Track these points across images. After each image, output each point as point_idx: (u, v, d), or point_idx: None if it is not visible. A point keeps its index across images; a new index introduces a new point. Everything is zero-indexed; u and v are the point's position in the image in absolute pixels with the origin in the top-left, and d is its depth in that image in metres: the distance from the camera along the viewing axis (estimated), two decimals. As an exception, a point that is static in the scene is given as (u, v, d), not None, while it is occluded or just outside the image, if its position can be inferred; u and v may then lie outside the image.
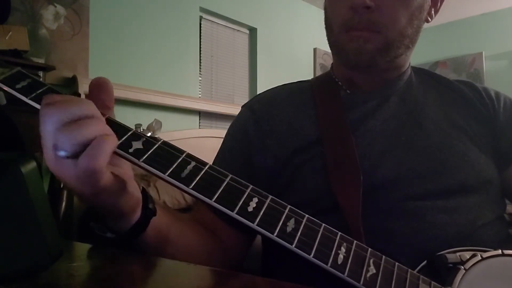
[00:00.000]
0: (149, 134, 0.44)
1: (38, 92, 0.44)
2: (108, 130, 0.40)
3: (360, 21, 0.62)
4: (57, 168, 0.39)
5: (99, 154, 0.37)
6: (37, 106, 0.43)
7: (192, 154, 0.44)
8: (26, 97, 0.43)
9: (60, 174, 0.39)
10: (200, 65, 3.36)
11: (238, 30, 3.74)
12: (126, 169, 0.45)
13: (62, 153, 0.37)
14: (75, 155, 0.38)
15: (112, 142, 0.39)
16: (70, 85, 2.43)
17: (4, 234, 0.30)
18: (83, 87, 2.37)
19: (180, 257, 0.54)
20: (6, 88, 0.43)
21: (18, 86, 0.44)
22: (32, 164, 0.32)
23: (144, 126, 0.45)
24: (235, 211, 0.42)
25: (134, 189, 0.46)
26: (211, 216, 0.65)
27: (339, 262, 0.43)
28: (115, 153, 0.41)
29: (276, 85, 0.78)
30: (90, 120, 0.39)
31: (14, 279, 0.31)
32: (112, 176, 0.41)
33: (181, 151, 0.44)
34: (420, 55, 4.50)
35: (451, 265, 0.51)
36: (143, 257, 0.45)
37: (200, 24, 3.38)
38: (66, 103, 0.39)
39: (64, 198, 2.06)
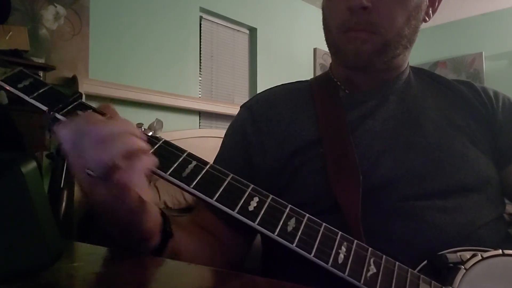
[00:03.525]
0: (150, 134, 0.44)
1: (39, 91, 0.44)
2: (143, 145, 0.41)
3: (358, 22, 0.62)
4: (91, 187, 0.40)
5: (133, 170, 0.38)
6: (39, 105, 0.43)
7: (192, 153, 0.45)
8: (28, 96, 0.44)
9: (93, 192, 0.40)
10: (200, 65, 3.36)
11: (238, 30, 3.74)
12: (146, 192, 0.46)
13: (92, 173, 0.38)
14: (106, 176, 0.38)
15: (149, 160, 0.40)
16: (70, 85, 2.43)
17: (4, 234, 0.30)
18: (83, 87, 2.37)
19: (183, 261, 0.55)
20: (8, 87, 0.44)
21: (20, 85, 0.44)
22: (32, 164, 0.32)
23: (145, 126, 0.45)
24: (236, 210, 0.42)
25: (155, 210, 0.46)
26: (211, 218, 0.65)
27: (340, 261, 0.43)
28: None
29: (276, 85, 0.78)
30: (123, 135, 0.39)
31: (14, 279, 0.31)
32: (138, 195, 0.42)
33: (183, 151, 0.44)
34: (419, 55, 4.50)
35: (451, 264, 0.51)
36: (144, 258, 0.45)
37: (200, 24, 3.38)
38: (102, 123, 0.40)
39: (64, 198, 2.06)
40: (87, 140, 0.38)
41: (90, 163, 0.38)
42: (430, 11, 0.70)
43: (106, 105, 0.45)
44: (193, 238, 0.60)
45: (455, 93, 0.71)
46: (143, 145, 0.40)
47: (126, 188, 0.38)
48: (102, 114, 0.42)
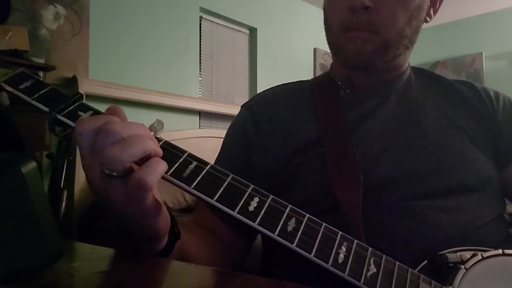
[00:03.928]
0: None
1: (41, 92, 0.44)
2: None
3: (359, 21, 0.62)
4: (105, 187, 0.40)
5: (154, 171, 0.38)
6: (40, 106, 0.43)
7: (193, 154, 0.45)
8: (30, 97, 0.44)
9: (108, 193, 0.40)
10: (200, 65, 3.36)
11: (238, 30, 3.74)
12: (157, 192, 0.46)
13: (109, 172, 0.38)
14: (124, 174, 0.38)
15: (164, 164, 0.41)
16: (70, 85, 2.43)
17: (4, 234, 0.30)
18: (83, 87, 2.37)
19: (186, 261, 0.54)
20: (9, 89, 0.44)
21: (21, 86, 0.44)
22: (32, 164, 0.32)
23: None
24: (236, 210, 0.42)
25: (166, 212, 0.46)
26: (211, 218, 0.65)
27: (340, 261, 0.43)
28: None
29: (276, 85, 0.78)
30: (141, 137, 0.40)
31: (14, 279, 0.31)
32: (154, 197, 0.41)
33: (183, 151, 0.44)
34: (420, 55, 4.50)
35: (451, 264, 0.51)
36: (144, 257, 0.45)
37: (200, 24, 3.38)
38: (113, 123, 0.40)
39: (64, 198, 2.06)
40: (107, 139, 0.38)
41: (108, 161, 0.38)
42: (432, 12, 0.70)
43: (116, 106, 0.45)
44: (195, 237, 0.60)
45: (455, 93, 0.71)
46: (159, 150, 0.41)
47: (145, 188, 0.38)
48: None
